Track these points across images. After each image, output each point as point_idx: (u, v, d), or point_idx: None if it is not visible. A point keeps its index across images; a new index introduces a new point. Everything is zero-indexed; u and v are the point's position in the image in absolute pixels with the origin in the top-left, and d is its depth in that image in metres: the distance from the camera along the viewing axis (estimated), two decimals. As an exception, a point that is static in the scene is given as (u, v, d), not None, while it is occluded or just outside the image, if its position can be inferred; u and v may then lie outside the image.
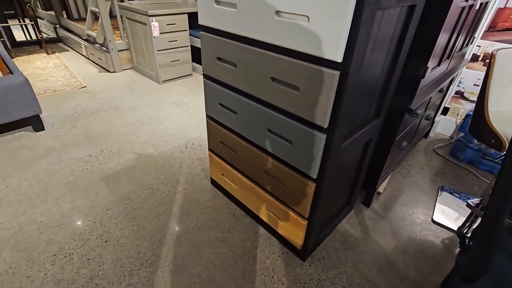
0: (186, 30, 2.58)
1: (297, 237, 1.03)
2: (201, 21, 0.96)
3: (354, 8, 0.58)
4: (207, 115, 1.19)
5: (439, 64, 1.16)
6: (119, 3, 2.63)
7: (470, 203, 1.29)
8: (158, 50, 2.47)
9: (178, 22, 2.49)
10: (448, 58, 1.26)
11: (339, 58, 0.64)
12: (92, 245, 1.12)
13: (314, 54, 0.68)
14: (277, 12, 0.71)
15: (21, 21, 3.83)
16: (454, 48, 1.29)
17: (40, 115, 1.83)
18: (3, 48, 2.09)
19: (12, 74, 1.70)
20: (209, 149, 1.30)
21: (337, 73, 0.66)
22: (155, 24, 2.34)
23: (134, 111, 2.13)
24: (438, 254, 1.17)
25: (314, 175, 0.84)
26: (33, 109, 1.73)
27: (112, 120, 1.99)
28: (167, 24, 2.43)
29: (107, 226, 1.20)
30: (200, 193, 1.40)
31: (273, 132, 0.91)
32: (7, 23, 3.31)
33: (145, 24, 2.40)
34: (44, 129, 1.84)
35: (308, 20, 0.66)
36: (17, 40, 3.50)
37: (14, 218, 1.21)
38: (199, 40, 2.58)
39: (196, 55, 2.88)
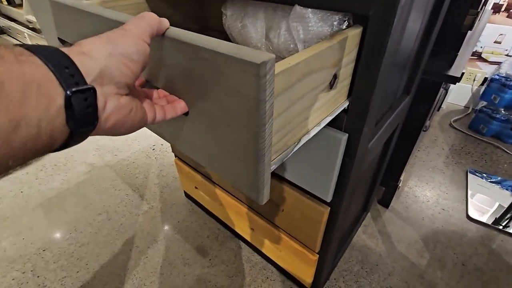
0: None
1: (305, 274, 0.73)
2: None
3: None
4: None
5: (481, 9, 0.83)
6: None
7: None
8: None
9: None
10: (485, 4, 0.93)
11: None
12: (18, 309, 0.79)
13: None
14: None
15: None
16: (491, -10, 0.96)
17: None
18: None
19: None
20: (175, 154, 0.96)
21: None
22: (103, -1, 1.89)
23: (88, 109, 1.74)
24: (485, 265, 0.90)
25: (328, 197, 0.52)
26: None
27: (59, 123, 1.60)
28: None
29: (42, 277, 0.87)
30: (171, 211, 1.08)
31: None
32: None
33: None
34: (-31, 143, 1.44)
35: None
36: (-52, 35, 2.95)
37: None
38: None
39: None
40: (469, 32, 0.70)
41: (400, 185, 1.15)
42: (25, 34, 2.69)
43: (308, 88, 0.31)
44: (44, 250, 0.94)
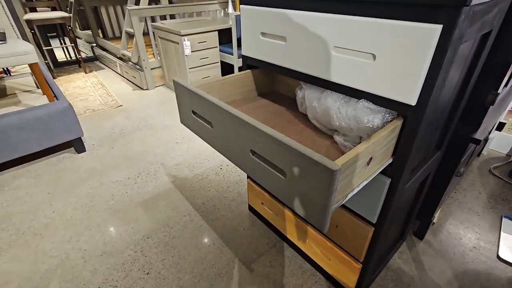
0: (217, 46, 2.60)
1: (349, 280, 0.95)
2: (245, 51, 0.92)
3: (436, 47, 0.51)
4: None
5: (506, 85, 1.03)
6: (152, 23, 2.71)
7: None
8: (189, 68, 2.50)
9: (209, 40, 2.51)
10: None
11: (412, 101, 0.57)
12: (134, 277, 1.11)
13: (379, 94, 0.61)
14: (336, 48, 0.65)
15: (62, 42, 4.08)
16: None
17: (81, 137, 1.90)
18: (49, 74, 2.22)
19: (57, 99, 1.79)
20: (248, 176, 1.25)
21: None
22: (187, 43, 2.37)
23: (168, 130, 2.16)
24: (511, 300, 1.03)
25: (374, 219, 0.76)
26: (76, 132, 1.80)
27: (147, 140, 2.03)
28: (198, 42, 2.45)
29: (148, 256, 1.19)
30: (238, 220, 1.36)
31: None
32: (51, 46, 3.54)
33: (177, 43, 2.44)
34: (85, 151, 1.91)
35: (374, 58, 0.59)
36: (58, 60, 3.73)
37: (61, 246, 1.24)
38: (229, 56, 2.59)
39: (225, 70, 2.89)
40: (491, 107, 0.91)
41: (434, 221, 1.31)
42: (117, 63, 3.31)
43: (354, 168, 0.52)
44: (147, 238, 1.27)
